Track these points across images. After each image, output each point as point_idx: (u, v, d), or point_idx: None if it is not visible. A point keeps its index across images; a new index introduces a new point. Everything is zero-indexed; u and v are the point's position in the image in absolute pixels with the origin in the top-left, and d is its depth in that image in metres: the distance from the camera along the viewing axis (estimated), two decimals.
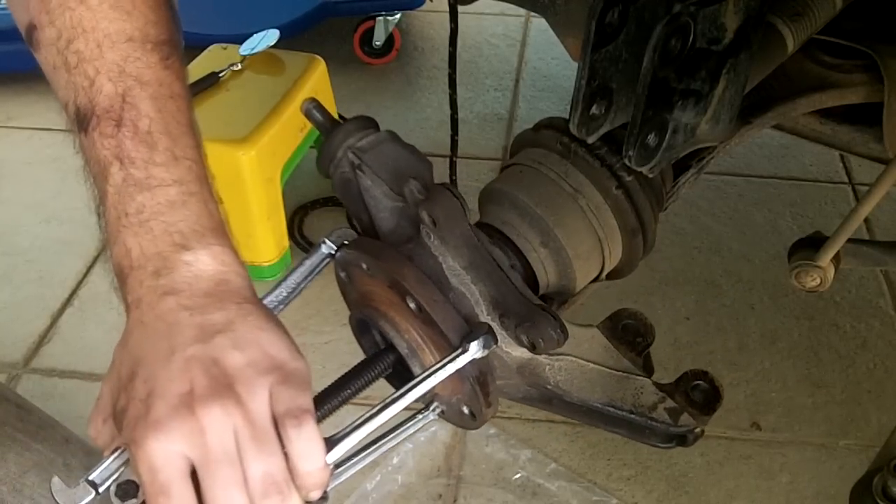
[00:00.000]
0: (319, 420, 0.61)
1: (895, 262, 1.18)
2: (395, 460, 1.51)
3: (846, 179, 2.12)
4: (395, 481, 1.49)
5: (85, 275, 1.92)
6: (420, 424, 0.75)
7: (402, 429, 0.73)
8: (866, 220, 1.77)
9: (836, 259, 1.11)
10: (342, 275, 0.79)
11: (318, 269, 0.75)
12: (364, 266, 0.74)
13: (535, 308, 0.73)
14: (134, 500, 0.59)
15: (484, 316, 0.76)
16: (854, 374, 1.66)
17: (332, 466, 0.61)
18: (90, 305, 1.85)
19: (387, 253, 0.74)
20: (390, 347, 0.76)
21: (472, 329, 0.70)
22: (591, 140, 0.82)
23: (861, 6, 0.98)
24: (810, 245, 1.11)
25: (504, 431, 1.56)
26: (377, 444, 0.70)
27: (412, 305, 0.72)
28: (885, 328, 1.75)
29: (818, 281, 1.12)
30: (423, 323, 0.73)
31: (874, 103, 1.02)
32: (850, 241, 1.11)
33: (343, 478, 0.66)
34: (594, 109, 0.79)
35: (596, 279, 0.94)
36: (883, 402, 1.60)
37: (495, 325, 0.74)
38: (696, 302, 1.81)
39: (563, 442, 1.56)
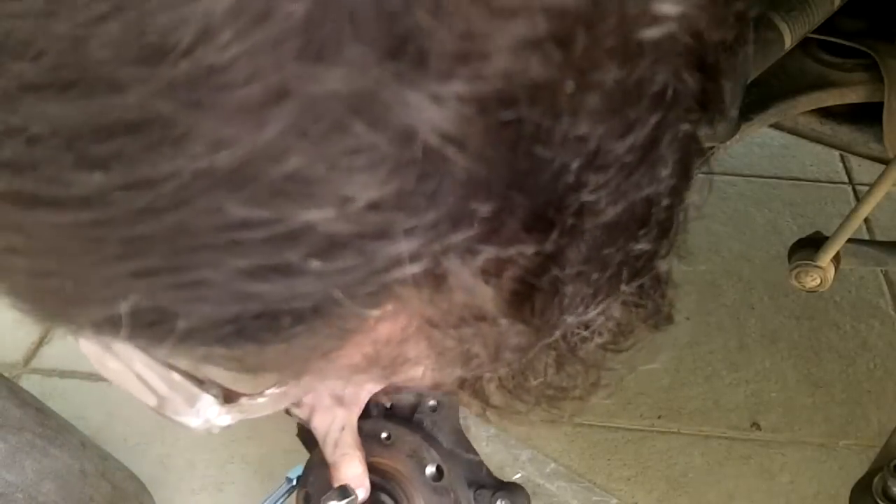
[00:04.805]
0: None
1: (895, 262, 1.18)
2: None
3: (846, 179, 2.11)
4: None
5: None
6: None
7: None
8: (866, 220, 1.77)
9: (836, 259, 1.11)
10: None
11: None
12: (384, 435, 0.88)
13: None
14: None
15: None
16: (854, 374, 1.66)
17: None
18: None
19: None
20: None
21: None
22: None
23: (861, 5, 0.98)
24: (810, 245, 1.11)
25: (504, 431, 1.56)
26: None
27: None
28: (885, 328, 1.74)
29: (818, 281, 1.12)
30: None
31: (874, 103, 1.02)
32: (850, 241, 1.11)
33: None
34: None
35: None
36: (883, 402, 1.60)
37: None
38: (696, 302, 1.80)
39: (563, 442, 1.56)
